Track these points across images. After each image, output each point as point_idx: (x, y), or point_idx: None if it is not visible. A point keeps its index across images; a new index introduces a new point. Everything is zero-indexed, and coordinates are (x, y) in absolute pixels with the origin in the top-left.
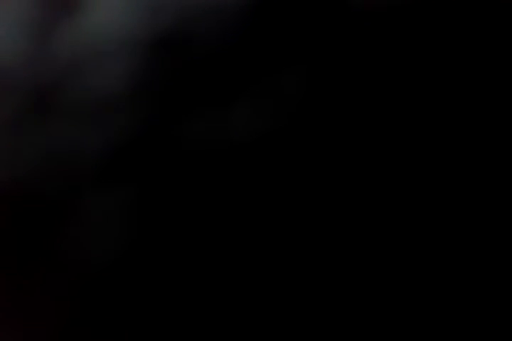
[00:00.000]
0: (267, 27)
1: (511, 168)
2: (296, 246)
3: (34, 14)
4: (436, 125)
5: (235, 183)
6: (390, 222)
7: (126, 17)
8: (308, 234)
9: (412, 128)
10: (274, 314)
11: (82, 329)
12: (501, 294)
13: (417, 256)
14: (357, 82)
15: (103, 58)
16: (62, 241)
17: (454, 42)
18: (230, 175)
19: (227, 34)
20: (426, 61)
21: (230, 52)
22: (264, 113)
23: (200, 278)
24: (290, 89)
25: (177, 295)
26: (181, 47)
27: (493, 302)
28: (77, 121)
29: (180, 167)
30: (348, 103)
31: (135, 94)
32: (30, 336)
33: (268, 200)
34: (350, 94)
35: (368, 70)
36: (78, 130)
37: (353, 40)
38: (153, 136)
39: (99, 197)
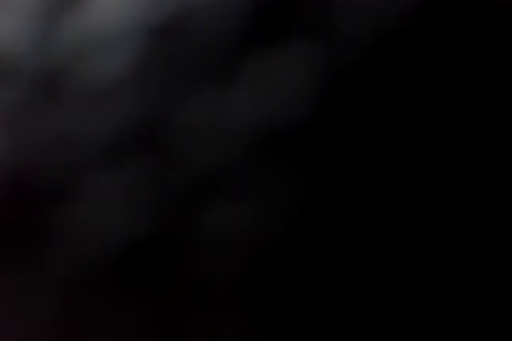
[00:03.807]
0: (269, 11)
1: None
2: (296, 243)
3: (40, 2)
4: (433, 124)
5: (236, 168)
6: (391, 224)
7: (130, 5)
8: (308, 233)
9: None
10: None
11: (81, 317)
12: (501, 294)
13: (417, 256)
14: (358, 74)
15: (107, 46)
16: (67, 224)
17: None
18: (231, 160)
19: (228, 20)
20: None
21: (230, 38)
22: (264, 98)
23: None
24: (290, 74)
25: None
26: (184, 33)
27: (493, 303)
28: (82, 106)
29: (183, 150)
30: (350, 93)
31: (138, 79)
32: (30, 321)
33: (268, 194)
34: (351, 85)
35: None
36: (83, 115)
37: (352, 33)
38: (156, 120)
39: (105, 180)
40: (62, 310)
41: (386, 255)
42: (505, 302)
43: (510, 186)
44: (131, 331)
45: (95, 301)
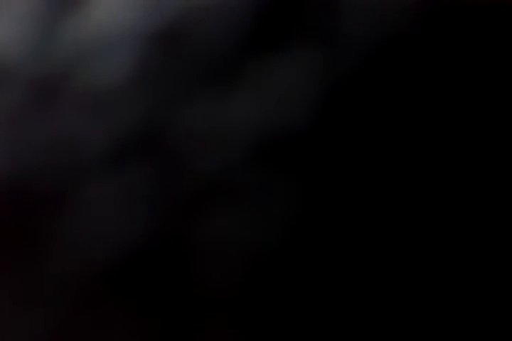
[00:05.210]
0: (271, 17)
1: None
2: (297, 252)
3: (40, 7)
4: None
5: (237, 175)
6: (392, 235)
7: (130, 10)
8: (309, 241)
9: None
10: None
11: (79, 326)
12: (501, 294)
13: (417, 256)
14: (358, 73)
15: (107, 50)
16: (66, 230)
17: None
18: (232, 166)
19: (230, 24)
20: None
21: (232, 43)
22: (265, 103)
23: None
24: (292, 79)
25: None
26: (185, 38)
27: (493, 303)
28: (82, 111)
29: (184, 156)
30: (352, 99)
31: (139, 84)
32: (29, 328)
33: (266, 194)
34: (353, 91)
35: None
36: (83, 119)
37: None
38: (157, 125)
39: (105, 187)
40: (61, 317)
41: (386, 265)
42: (505, 302)
43: (510, 186)
44: (130, 339)
45: (94, 308)
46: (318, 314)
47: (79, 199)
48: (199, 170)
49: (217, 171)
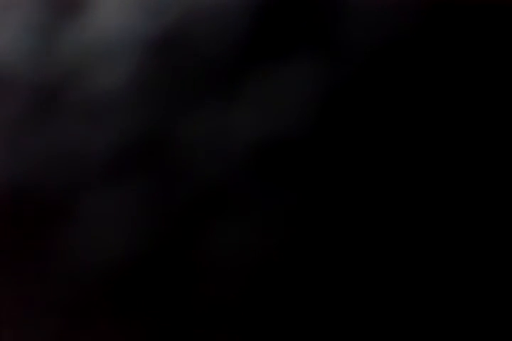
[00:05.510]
0: (269, 25)
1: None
2: (299, 260)
3: (39, 16)
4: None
5: (238, 184)
6: (394, 241)
7: (130, 18)
8: (308, 236)
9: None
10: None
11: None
12: (501, 294)
13: (417, 256)
14: (359, 77)
15: (107, 58)
16: (65, 241)
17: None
18: (232, 175)
19: (229, 33)
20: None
21: (232, 52)
22: (265, 112)
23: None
24: (292, 88)
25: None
26: (184, 46)
27: (493, 303)
28: (82, 121)
29: (182, 165)
30: (352, 108)
31: (138, 93)
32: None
33: (269, 203)
34: (353, 100)
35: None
36: (82, 129)
37: (353, 36)
38: (157, 134)
39: (104, 196)
40: (63, 322)
41: (388, 275)
42: (505, 302)
43: (510, 186)
44: None
45: (96, 316)
46: (324, 318)
47: (80, 207)
48: (200, 179)
49: (218, 179)
